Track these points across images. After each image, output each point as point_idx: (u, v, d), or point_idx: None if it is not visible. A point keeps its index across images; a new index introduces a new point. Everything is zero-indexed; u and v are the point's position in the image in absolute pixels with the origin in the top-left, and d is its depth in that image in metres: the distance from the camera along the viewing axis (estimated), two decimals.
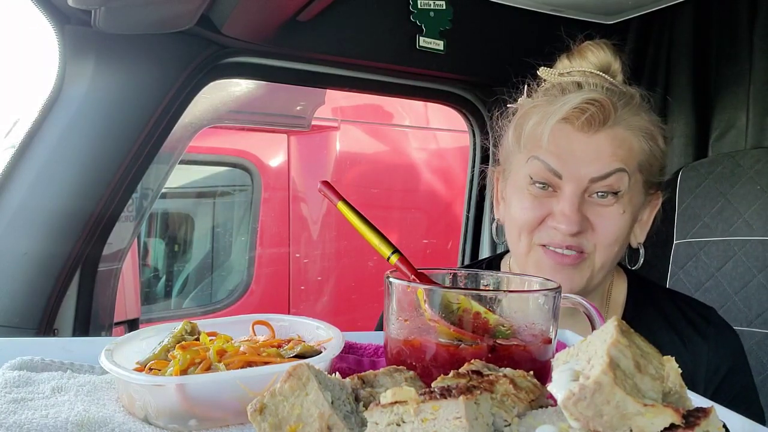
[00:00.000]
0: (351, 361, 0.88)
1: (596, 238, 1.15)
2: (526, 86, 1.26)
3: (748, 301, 1.77)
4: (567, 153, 1.14)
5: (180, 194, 4.13)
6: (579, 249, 1.15)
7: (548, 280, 0.79)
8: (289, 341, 0.81)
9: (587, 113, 1.11)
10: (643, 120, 1.17)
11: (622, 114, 1.15)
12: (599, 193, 1.14)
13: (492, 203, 1.37)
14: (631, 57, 2.19)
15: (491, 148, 1.39)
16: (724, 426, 0.51)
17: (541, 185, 1.16)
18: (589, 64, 1.20)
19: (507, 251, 1.43)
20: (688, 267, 1.88)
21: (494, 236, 1.35)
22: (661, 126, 1.21)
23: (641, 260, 1.28)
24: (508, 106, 1.28)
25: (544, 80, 1.25)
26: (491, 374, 0.58)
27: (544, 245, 1.17)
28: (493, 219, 1.34)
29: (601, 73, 1.19)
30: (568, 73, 1.21)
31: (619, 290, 1.33)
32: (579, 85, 1.18)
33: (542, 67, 1.24)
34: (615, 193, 1.14)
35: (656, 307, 1.31)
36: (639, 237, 1.26)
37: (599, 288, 1.28)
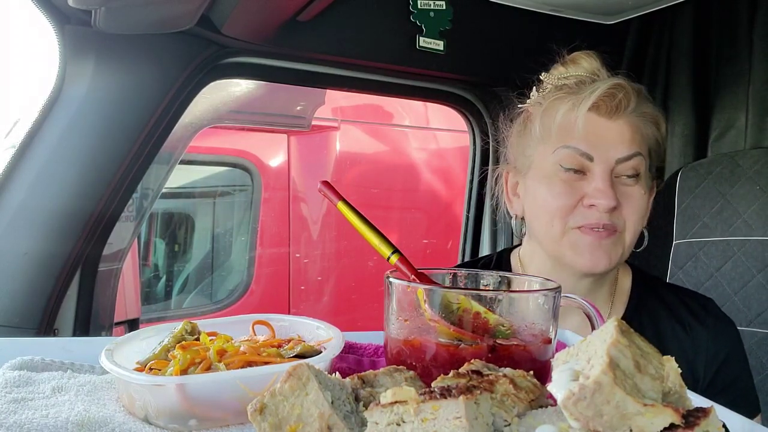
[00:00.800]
0: (351, 361, 0.88)
1: (625, 217, 1.23)
2: (535, 86, 1.34)
3: (747, 301, 1.77)
4: (595, 137, 1.23)
5: (180, 194, 4.13)
6: (612, 228, 1.22)
7: (548, 280, 0.79)
8: (289, 341, 0.81)
9: (616, 99, 1.21)
10: (649, 108, 1.27)
11: (636, 103, 1.25)
12: (625, 175, 1.23)
13: (495, 202, 1.44)
14: (631, 57, 2.20)
15: (492, 147, 1.44)
16: (724, 426, 0.51)
17: (572, 169, 1.23)
18: (583, 70, 1.29)
19: (515, 246, 1.47)
20: (688, 267, 1.88)
21: (516, 232, 1.40)
22: (663, 114, 1.31)
23: (645, 242, 1.33)
24: (519, 106, 1.35)
25: (544, 83, 1.33)
26: (491, 374, 0.58)
27: (579, 227, 1.23)
28: (498, 218, 1.39)
29: (595, 77, 1.28)
30: (565, 77, 1.29)
31: (625, 279, 1.40)
32: (593, 80, 1.27)
33: (544, 73, 1.33)
34: (636, 175, 1.23)
35: (658, 297, 1.37)
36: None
37: (609, 278, 1.36)
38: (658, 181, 1.37)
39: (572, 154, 1.23)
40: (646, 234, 1.33)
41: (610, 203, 1.19)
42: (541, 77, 1.33)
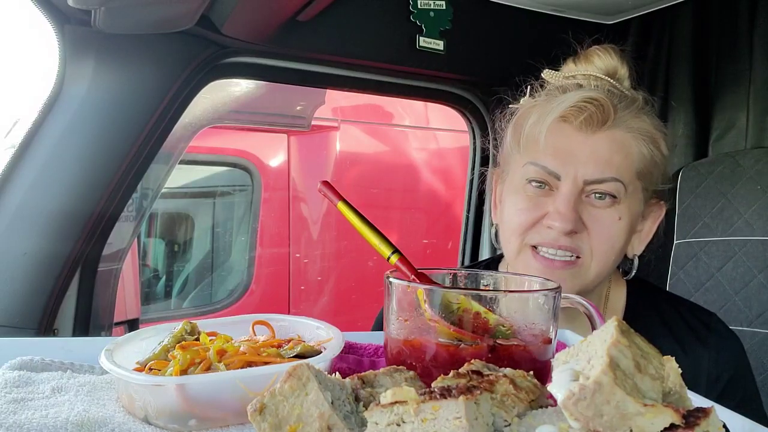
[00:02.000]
0: (351, 361, 0.88)
1: (591, 242, 1.12)
2: (529, 87, 1.24)
3: (748, 301, 1.77)
4: (565, 153, 1.12)
5: (180, 194, 4.13)
6: (573, 251, 1.13)
7: (548, 280, 0.79)
8: (289, 341, 0.81)
9: (586, 112, 1.10)
10: (644, 123, 1.15)
11: (623, 116, 1.13)
12: (596, 195, 1.13)
13: (491, 206, 1.35)
14: (631, 57, 2.19)
15: (491, 150, 1.37)
16: (724, 426, 0.51)
17: (538, 184, 1.15)
18: (595, 69, 1.18)
19: None
20: (688, 267, 1.88)
21: (493, 241, 1.31)
22: (664, 131, 1.19)
23: (633, 272, 1.24)
24: (509, 106, 1.26)
25: (549, 82, 1.23)
26: (491, 374, 0.58)
27: (535, 246, 1.15)
28: (492, 223, 1.32)
29: (605, 77, 1.17)
30: (572, 76, 1.19)
31: (618, 296, 1.30)
32: (580, 87, 1.17)
33: (546, 70, 1.22)
34: (613, 197, 1.12)
35: (657, 312, 1.28)
36: (636, 248, 1.23)
37: (595, 296, 1.26)
38: (663, 202, 1.24)
39: (539, 171, 1.14)
40: (636, 262, 1.23)
41: (565, 227, 1.09)
42: (543, 76, 1.23)
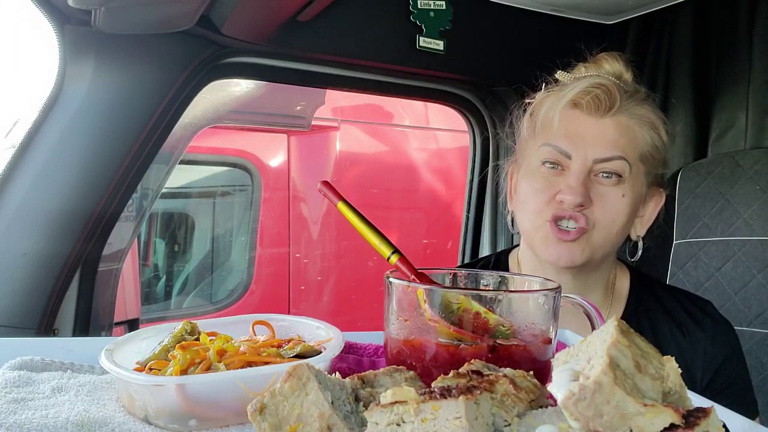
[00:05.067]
0: (351, 361, 0.88)
1: (596, 216, 1.23)
2: (544, 83, 1.35)
3: (747, 301, 1.77)
4: (575, 135, 1.24)
5: (180, 194, 4.13)
6: (580, 222, 1.22)
7: (548, 280, 0.79)
8: (289, 341, 0.81)
9: (592, 95, 1.22)
10: (646, 110, 1.27)
11: (627, 103, 1.25)
12: (603, 174, 1.23)
13: (504, 197, 1.45)
14: (631, 57, 2.20)
15: (492, 147, 1.43)
16: (724, 426, 0.51)
17: (552, 165, 1.25)
18: (603, 71, 1.29)
19: (514, 246, 1.48)
20: (688, 267, 1.88)
21: (510, 227, 1.41)
22: (664, 120, 1.30)
23: (639, 253, 1.34)
24: (527, 101, 1.36)
25: (561, 81, 1.33)
26: (491, 374, 0.58)
27: (550, 220, 1.24)
28: (508, 211, 1.41)
29: (613, 78, 1.27)
30: (583, 77, 1.29)
31: (623, 283, 1.39)
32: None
33: (559, 72, 1.33)
34: (619, 176, 1.23)
35: (657, 299, 1.38)
36: (639, 230, 1.33)
37: (602, 278, 1.35)
38: (663, 189, 1.35)
39: (552, 151, 1.25)
40: (640, 244, 1.33)
41: (576, 200, 1.20)
42: (557, 76, 1.33)
